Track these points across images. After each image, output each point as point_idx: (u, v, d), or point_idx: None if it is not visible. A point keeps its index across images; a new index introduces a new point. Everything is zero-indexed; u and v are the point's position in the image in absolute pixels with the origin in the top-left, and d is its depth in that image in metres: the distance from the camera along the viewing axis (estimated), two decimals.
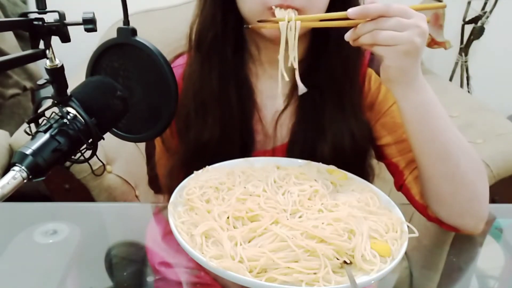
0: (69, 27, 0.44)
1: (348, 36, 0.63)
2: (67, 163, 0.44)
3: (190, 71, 0.80)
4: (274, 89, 0.80)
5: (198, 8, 0.78)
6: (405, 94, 0.65)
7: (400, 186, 0.79)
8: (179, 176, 0.70)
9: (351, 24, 0.62)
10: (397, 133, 0.77)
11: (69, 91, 0.45)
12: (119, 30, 0.48)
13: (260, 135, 0.81)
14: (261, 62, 0.81)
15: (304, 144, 0.79)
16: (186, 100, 0.78)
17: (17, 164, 0.40)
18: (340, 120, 0.77)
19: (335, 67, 0.76)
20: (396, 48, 0.60)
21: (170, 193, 0.65)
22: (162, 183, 0.90)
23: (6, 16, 1.58)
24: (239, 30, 0.77)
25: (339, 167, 0.73)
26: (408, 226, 0.59)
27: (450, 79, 1.84)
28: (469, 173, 0.68)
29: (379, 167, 0.85)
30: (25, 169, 0.40)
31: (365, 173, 0.82)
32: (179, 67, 0.82)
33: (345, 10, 0.62)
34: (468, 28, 1.77)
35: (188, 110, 0.78)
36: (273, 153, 0.81)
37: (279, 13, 0.67)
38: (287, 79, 0.67)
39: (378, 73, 0.79)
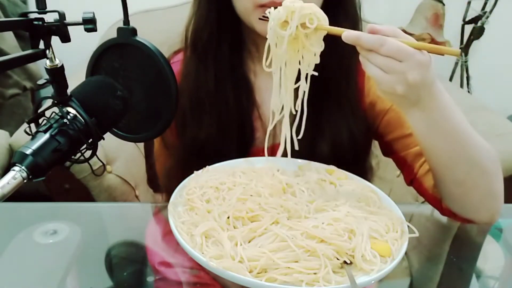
0: (69, 27, 0.44)
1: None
2: (67, 163, 0.44)
3: (185, 72, 0.80)
4: (272, 85, 0.81)
5: (193, 8, 0.78)
6: (416, 114, 0.63)
7: (411, 180, 0.78)
8: (177, 176, 0.70)
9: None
10: (403, 127, 0.78)
11: (69, 91, 0.45)
12: (119, 30, 0.48)
13: (260, 132, 0.81)
14: (259, 59, 0.81)
15: (303, 142, 0.79)
16: (182, 99, 0.78)
17: (17, 164, 0.40)
18: (338, 118, 0.77)
19: (330, 65, 0.76)
20: (388, 83, 0.57)
21: (168, 193, 0.65)
22: (161, 182, 0.90)
23: (6, 16, 1.58)
24: (237, 28, 0.77)
25: (338, 165, 0.73)
26: (408, 226, 0.59)
27: (450, 79, 1.84)
28: (481, 174, 0.66)
29: (379, 167, 0.85)
30: (25, 169, 0.40)
31: (365, 173, 0.82)
32: (177, 63, 0.82)
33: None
34: (468, 28, 1.77)
35: (184, 109, 0.78)
36: (273, 150, 0.81)
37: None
38: None
39: None
